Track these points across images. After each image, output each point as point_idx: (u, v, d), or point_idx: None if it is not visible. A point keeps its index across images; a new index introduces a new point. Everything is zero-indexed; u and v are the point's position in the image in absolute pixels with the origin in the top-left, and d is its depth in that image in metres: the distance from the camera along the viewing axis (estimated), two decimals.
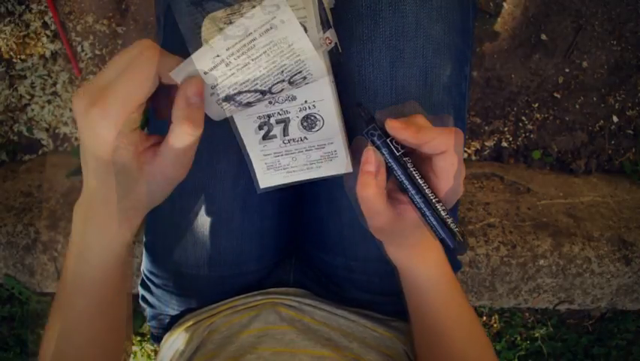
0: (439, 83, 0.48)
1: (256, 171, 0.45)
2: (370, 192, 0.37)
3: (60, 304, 0.42)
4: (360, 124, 0.43)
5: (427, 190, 0.37)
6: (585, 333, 1.13)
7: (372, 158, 0.37)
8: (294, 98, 0.41)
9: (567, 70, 0.99)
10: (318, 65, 0.36)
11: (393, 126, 0.36)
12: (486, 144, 1.05)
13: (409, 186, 0.37)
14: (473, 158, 1.06)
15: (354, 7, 0.46)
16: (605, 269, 0.88)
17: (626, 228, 0.90)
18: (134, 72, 0.31)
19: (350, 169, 0.45)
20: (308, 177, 0.46)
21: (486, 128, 1.04)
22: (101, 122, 0.31)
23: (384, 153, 0.38)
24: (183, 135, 0.33)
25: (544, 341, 1.11)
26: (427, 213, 0.37)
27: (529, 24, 0.96)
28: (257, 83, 0.36)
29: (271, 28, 0.33)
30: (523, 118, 1.03)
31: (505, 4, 0.95)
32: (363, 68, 0.47)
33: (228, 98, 0.37)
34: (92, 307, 0.41)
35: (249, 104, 0.38)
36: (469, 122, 1.03)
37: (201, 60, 0.33)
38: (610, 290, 0.92)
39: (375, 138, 0.38)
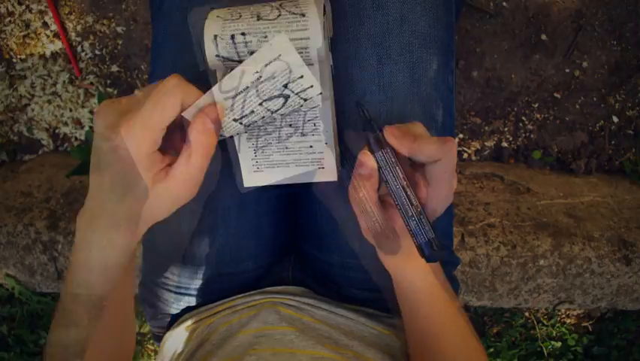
0: (426, 77, 0.48)
1: (242, 170, 0.45)
2: (361, 195, 0.38)
3: (60, 323, 0.40)
4: (358, 123, 0.43)
5: (412, 198, 0.37)
6: (585, 333, 1.13)
7: (367, 162, 0.37)
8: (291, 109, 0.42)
9: (567, 70, 0.99)
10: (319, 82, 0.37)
11: (392, 133, 0.36)
12: (486, 144, 1.05)
13: (396, 192, 0.37)
14: (473, 158, 1.06)
15: (338, 5, 0.46)
16: (605, 269, 0.88)
17: (626, 228, 0.90)
18: (159, 99, 0.33)
19: (336, 178, 0.45)
20: (294, 181, 0.46)
21: (486, 128, 1.04)
22: (123, 141, 0.33)
23: (378, 157, 0.37)
24: (196, 158, 0.35)
25: (544, 341, 1.11)
26: (407, 218, 0.37)
27: (529, 24, 0.96)
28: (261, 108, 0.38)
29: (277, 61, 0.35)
30: (523, 118, 1.03)
31: (505, 4, 0.95)
32: (350, 67, 0.47)
33: (236, 120, 0.38)
34: (97, 323, 0.39)
35: (251, 123, 0.39)
36: (470, 122, 1.03)
37: (223, 87, 0.36)
38: (610, 290, 0.92)
39: (372, 142, 0.38)
